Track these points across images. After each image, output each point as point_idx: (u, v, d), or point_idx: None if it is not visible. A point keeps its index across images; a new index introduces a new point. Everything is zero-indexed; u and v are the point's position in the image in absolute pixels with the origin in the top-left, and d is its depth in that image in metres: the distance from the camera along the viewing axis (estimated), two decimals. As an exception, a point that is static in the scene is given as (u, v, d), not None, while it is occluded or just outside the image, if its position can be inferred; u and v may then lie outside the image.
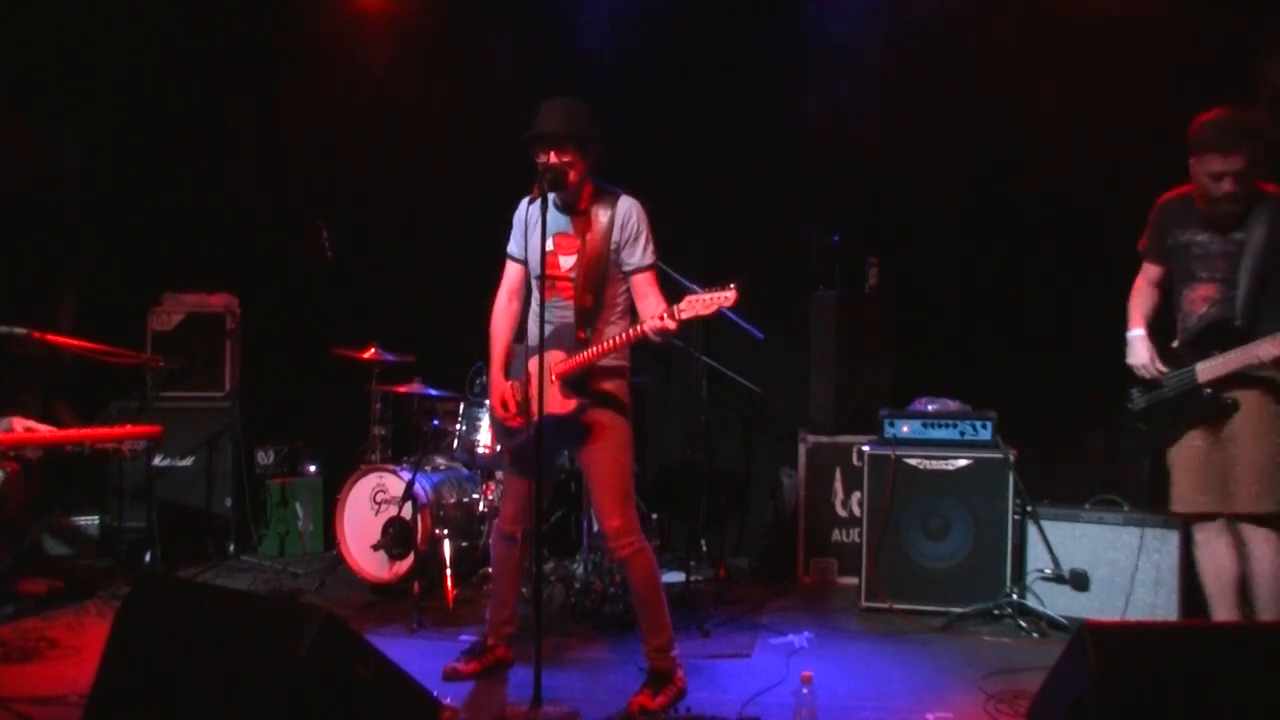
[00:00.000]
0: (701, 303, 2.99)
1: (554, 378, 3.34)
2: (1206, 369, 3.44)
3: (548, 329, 3.40)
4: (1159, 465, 3.70)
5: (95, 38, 6.09)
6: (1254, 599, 3.49)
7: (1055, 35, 5.38)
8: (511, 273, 3.61)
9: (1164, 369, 3.56)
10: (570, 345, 3.37)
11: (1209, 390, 3.45)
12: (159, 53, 6.19)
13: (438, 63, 6.20)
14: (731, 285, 2.96)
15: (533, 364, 3.37)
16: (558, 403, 3.33)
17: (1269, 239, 3.32)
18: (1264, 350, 3.30)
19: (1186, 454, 3.56)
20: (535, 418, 3.24)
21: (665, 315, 3.09)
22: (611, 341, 3.27)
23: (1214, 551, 3.57)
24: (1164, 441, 3.60)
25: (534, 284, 3.53)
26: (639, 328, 3.19)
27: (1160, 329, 3.68)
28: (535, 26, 6.08)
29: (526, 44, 6.07)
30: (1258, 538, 3.44)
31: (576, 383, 3.36)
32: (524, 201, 3.45)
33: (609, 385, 3.42)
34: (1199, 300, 3.51)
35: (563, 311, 3.43)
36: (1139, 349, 3.64)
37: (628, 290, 3.47)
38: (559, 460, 3.46)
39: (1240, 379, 3.40)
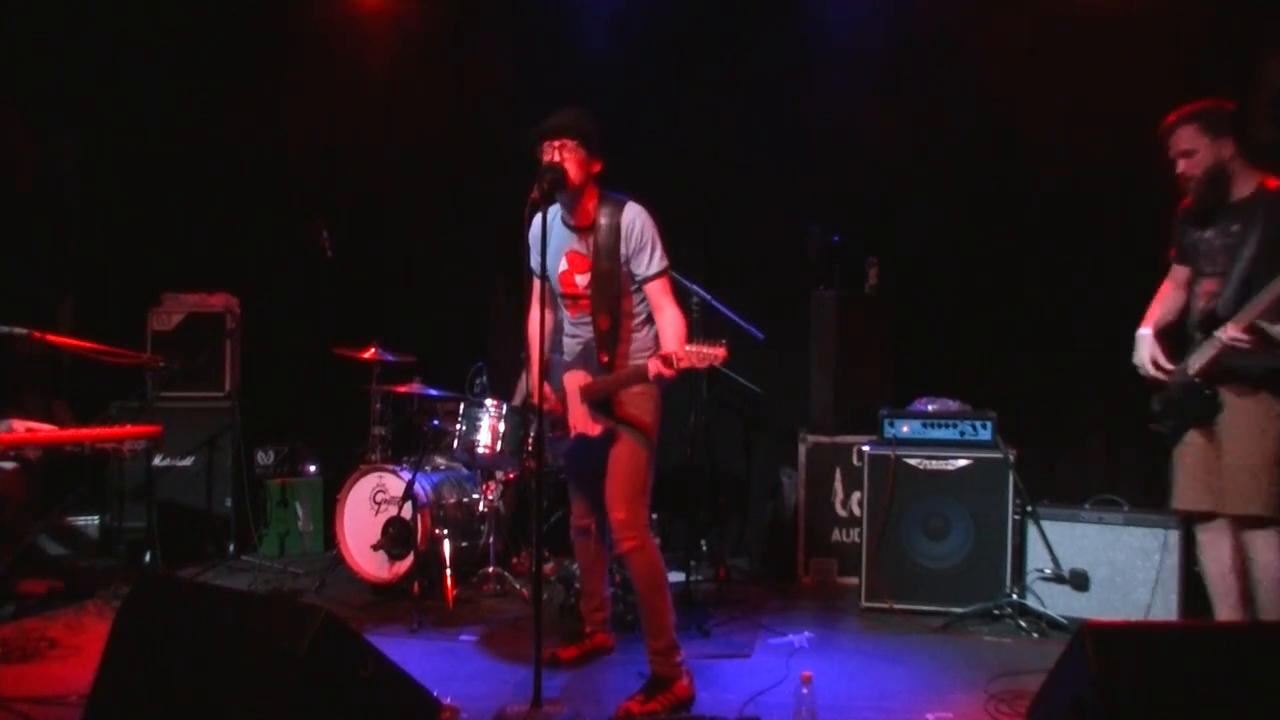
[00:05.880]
0: (697, 355, 3.05)
1: (582, 401, 3.45)
2: (1195, 361, 3.45)
3: (577, 345, 3.54)
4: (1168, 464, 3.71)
5: (95, 38, 6.10)
6: (1256, 600, 3.47)
7: (1055, 35, 5.38)
8: (536, 286, 3.52)
9: (1170, 367, 3.57)
10: (594, 368, 3.45)
11: (1200, 382, 3.45)
12: (159, 52, 6.20)
13: (438, 63, 6.21)
14: (723, 342, 3.07)
15: (568, 380, 3.51)
16: (586, 424, 3.45)
17: (1263, 234, 3.33)
18: (1224, 334, 3.31)
19: (1187, 452, 3.56)
20: (571, 433, 3.50)
21: (665, 363, 3.12)
22: (622, 375, 3.36)
23: (1217, 551, 3.56)
24: (1176, 440, 3.61)
25: (558, 300, 3.59)
26: (643, 366, 3.22)
27: (1181, 330, 3.68)
28: (535, 27, 6.09)
29: (526, 44, 6.08)
30: (1257, 540, 3.42)
31: (602, 402, 3.43)
32: (536, 218, 3.39)
33: (635, 389, 3.43)
34: (1202, 295, 3.53)
35: (588, 329, 3.49)
36: (1141, 348, 3.65)
37: (646, 299, 3.48)
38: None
39: (1234, 377, 3.39)
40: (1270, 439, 3.36)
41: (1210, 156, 3.41)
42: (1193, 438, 3.53)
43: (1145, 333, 3.67)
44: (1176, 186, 3.54)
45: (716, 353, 3.04)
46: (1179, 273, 3.69)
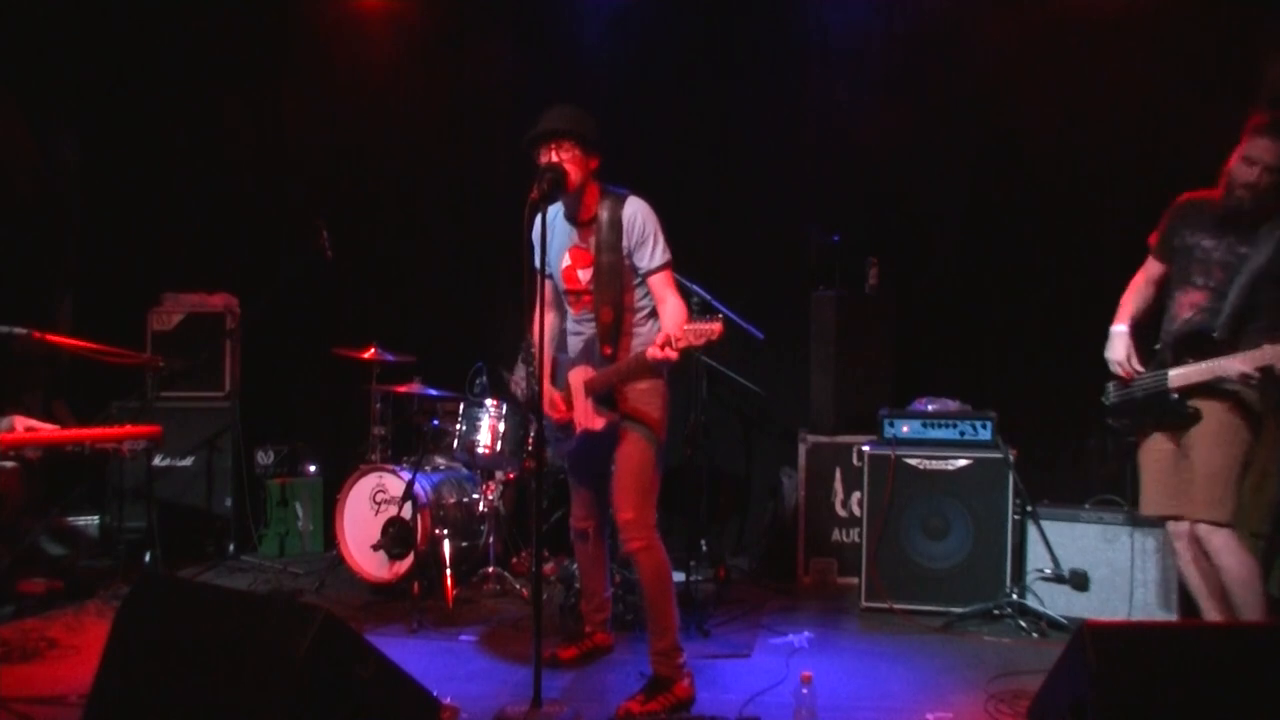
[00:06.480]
0: (694, 333, 3.03)
1: (586, 395, 3.41)
2: (1178, 375, 3.44)
3: (580, 341, 3.52)
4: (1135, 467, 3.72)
5: (95, 38, 6.10)
6: (1230, 601, 3.46)
7: (1055, 35, 5.38)
8: (544, 286, 3.47)
9: (1140, 369, 3.57)
10: (598, 362, 3.43)
11: (1176, 396, 3.45)
12: (159, 52, 6.20)
13: (438, 63, 6.21)
14: (718, 316, 3.05)
15: (573, 375, 3.47)
16: (590, 418, 3.42)
17: (1271, 259, 3.31)
18: (1234, 366, 3.30)
19: (1153, 457, 3.57)
20: (577, 430, 3.46)
21: (666, 346, 3.08)
22: (624, 366, 3.33)
23: (1188, 551, 3.56)
24: (1130, 438, 3.62)
25: (562, 297, 3.57)
26: (646, 353, 3.19)
27: (1150, 328, 3.68)
28: (535, 26, 6.09)
29: (526, 44, 6.08)
30: (1216, 542, 3.41)
31: (607, 396, 3.40)
32: (537, 217, 3.35)
33: (641, 385, 3.41)
34: (1187, 306, 3.49)
35: (591, 325, 3.47)
36: (1117, 345, 3.64)
37: (649, 293, 3.46)
38: (612, 466, 3.53)
39: (1207, 389, 3.39)
40: (1236, 449, 3.38)
41: (1275, 178, 3.28)
42: (1159, 443, 3.54)
43: (1122, 329, 3.66)
44: (1189, 177, 3.46)
45: (713, 327, 3.01)
46: (1154, 268, 3.66)
